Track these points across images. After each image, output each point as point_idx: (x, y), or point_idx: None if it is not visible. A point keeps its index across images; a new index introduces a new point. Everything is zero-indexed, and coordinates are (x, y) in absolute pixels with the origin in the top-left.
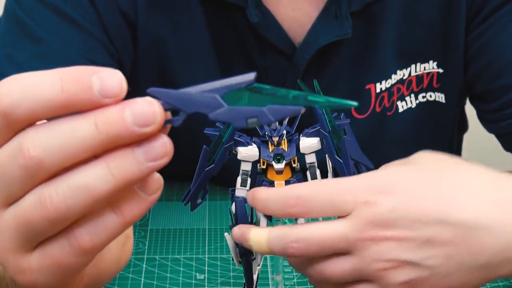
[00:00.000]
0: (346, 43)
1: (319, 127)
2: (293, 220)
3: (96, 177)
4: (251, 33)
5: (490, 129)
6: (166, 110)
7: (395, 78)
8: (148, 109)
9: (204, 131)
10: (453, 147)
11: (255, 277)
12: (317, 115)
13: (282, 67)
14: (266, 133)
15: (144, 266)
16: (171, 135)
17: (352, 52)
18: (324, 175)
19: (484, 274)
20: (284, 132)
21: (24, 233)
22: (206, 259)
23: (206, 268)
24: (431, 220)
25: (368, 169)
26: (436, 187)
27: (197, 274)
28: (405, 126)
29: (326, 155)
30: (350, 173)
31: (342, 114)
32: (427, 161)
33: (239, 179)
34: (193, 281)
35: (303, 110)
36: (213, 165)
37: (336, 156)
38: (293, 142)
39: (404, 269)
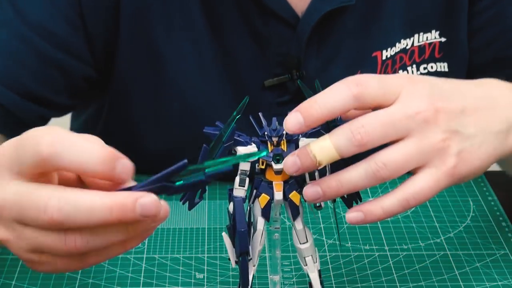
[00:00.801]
0: (349, 11)
1: (319, 128)
2: (285, 225)
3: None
4: (253, 1)
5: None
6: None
7: (399, 46)
8: (155, 205)
9: (204, 131)
10: None
11: (250, 277)
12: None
13: (286, 37)
14: (266, 133)
15: (144, 265)
16: (172, 135)
17: (356, 20)
18: (323, 176)
19: (500, 141)
20: (284, 132)
21: (39, 248)
22: (205, 258)
23: (206, 267)
24: (462, 95)
25: None
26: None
27: (197, 273)
28: None
29: None
30: None
31: (339, 117)
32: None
33: (237, 179)
34: (192, 280)
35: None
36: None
37: None
38: (292, 142)
39: (455, 140)
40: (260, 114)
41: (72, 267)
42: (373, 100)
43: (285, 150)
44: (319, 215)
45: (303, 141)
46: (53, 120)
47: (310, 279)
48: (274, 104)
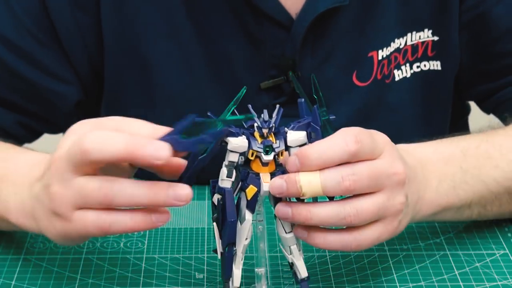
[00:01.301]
0: (343, 11)
1: (307, 121)
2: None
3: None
4: (247, 4)
5: (487, 107)
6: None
7: (393, 46)
8: (184, 193)
9: (195, 119)
10: (447, 115)
11: (239, 271)
12: (301, 109)
13: (280, 39)
14: (255, 124)
15: (143, 265)
16: None
17: (350, 20)
18: None
19: (413, 210)
20: (273, 124)
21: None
22: (205, 258)
23: (205, 267)
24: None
25: None
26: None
27: (196, 273)
28: (401, 95)
29: None
30: None
31: (328, 116)
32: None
33: (224, 170)
34: (192, 280)
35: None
36: (205, 154)
37: None
38: (281, 135)
39: (405, 205)
40: (249, 106)
41: (101, 221)
42: (365, 156)
43: (275, 142)
44: None
45: (291, 134)
46: None
47: (294, 269)
48: (270, 106)
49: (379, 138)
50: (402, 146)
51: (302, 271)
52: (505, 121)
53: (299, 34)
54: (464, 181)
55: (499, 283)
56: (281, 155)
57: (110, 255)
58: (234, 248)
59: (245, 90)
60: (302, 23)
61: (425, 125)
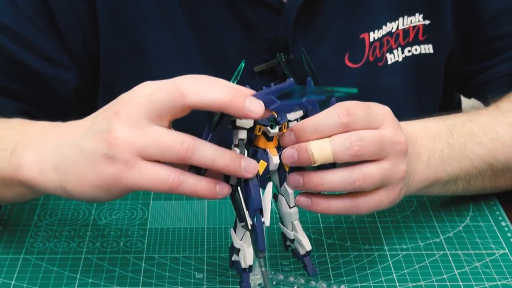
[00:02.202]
0: None
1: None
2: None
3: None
4: None
5: (469, 89)
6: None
7: (385, 29)
8: (253, 165)
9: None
10: (439, 99)
11: (250, 250)
12: (288, 86)
13: (272, 22)
14: None
15: (143, 265)
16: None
17: (341, 2)
18: None
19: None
20: None
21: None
22: (205, 258)
23: (205, 267)
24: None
25: None
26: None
27: (196, 273)
28: (394, 78)
29: None
30: None
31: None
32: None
33: (236, 150)
34: (192, 280)
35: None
36: (216, 128)
37: None
38: None
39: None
40: (247, 86)
41: (172, 178)
42: (358, 127)
43: (277, 117)
44: (318, 214)
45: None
46: None
47: (294, 246)
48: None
49: (377, 110)
50: None
51: (306, 245)
52: (486, 102)
53: (291, 15)
54: (452, 157)
55: (498, 283)
56: (285, 128)
57: (110, 255)
58: (262, 218)
59: (244, 64)
60: (293, 4)
61: (417, 109)
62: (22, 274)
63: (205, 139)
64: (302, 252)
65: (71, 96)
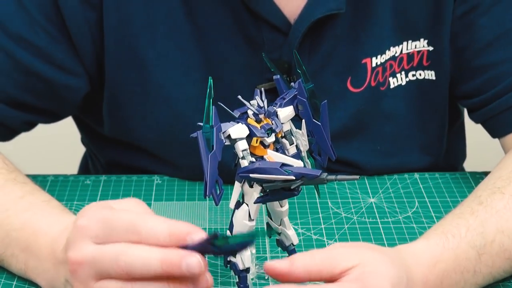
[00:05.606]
0: (340, 18)
1: (290, 95)
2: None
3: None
4: (246, 8)
5: (475, 119)
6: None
7: (388, 54)
8: (198, 264)
9: (191, 136)
10: (445, 124)
11: (248, 253)
12: (279, 85)
13: (278, 43)
14: (250, 112)
15: None
16: (162, 141)
17: (346, 27)
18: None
19: None
20: (266, 108)
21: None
22: (206, 258)
23: None
24: None
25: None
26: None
27: None
28: (396, 103)
29: (303, 121)
30: (327, 135)
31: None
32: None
33: (244, 162)
34: None
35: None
36: (214, 149)
37: (314, 120)
38: (273, 115)
39: None
40: (239, 97)
41: None
42: None
43: (272, 124)
44: (320, 215)
45: (281, 111)
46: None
47: (280, 238)
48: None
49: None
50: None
51: (294, 239)
52: (494, 133)
53: (296, 38)
54: (475, 283)
55: (499, 283)
56: (280, 133)
57: None
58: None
59: (211, 80)
60: (299, 28)
61: (420, 133)
62: None
63: (206, 161)
64: (287, 243)
65: (80, 102)
